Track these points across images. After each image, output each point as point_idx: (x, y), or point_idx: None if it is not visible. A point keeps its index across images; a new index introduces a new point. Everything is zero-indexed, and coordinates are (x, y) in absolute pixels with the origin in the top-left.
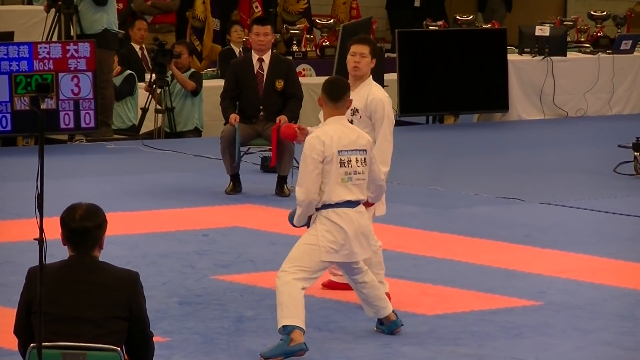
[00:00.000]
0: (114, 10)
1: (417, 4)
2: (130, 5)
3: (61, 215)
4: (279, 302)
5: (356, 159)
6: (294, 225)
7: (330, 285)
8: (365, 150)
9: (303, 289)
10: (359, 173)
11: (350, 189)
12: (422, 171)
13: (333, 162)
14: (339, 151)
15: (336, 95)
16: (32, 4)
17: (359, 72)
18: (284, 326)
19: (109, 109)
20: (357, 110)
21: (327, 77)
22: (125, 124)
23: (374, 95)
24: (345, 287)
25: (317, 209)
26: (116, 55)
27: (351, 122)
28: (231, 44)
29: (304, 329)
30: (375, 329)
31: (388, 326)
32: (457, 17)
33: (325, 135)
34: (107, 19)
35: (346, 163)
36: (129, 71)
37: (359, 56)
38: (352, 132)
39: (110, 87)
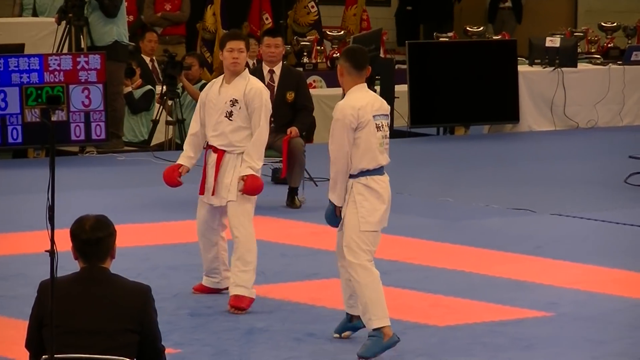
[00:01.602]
0: (124, 22)
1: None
2: (140, 17)
3: (71, 228)
4: (364, 295)
5: (385, 123)
6: (335, 220)
7: (200, 289)
8: (388, 115)
9: (379, 275)
10: (387, 137)
11: (384, 153)
12: (432, 183)
13: (369, 126)
14: (373, 116)
15: (360, 63)
16: (38, 16)
17: (238, 68)
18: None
19: (120, 121)
20: (236, 100)
21: (346, 47)
22: (137, 138)
23: (252, 85)
24: (215, 291)
25: (353, 176)
26: (139, 68)
27: (231, 113)
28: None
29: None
30: (339, 335)
31: (355, 324)
32: (468, 28)
33: (358, 102)
34: (118, 31)
35: (380, 127)
36: (148, 86)
37: (237, 52)
38: (376, 96)
39: (121, 99)
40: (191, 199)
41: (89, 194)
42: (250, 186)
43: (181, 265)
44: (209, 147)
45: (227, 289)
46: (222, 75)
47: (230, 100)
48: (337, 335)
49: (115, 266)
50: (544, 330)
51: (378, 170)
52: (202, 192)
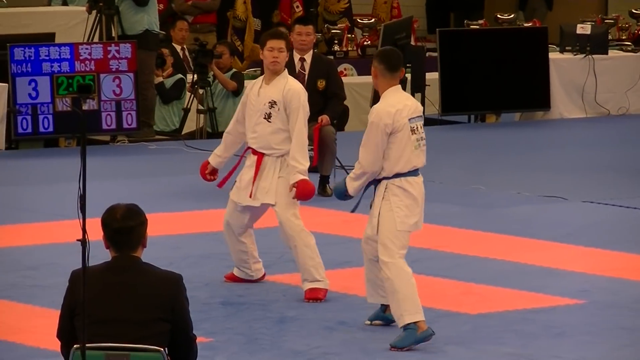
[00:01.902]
0: (155, 10)
1: None
2: (170, 6)
3: (102, 217)
4: (397, 292)
5: (421, 125)
6: (343, 198)
7: (232, 278)
8: (422, 116)
9: (411, 271)
10: (424, 139)
11: (419, 155)
12: (463, 170)
13: (404, 130)
14: (409, 119)
15: (395, 65)
16: (68, 5)
17: (278, 67)
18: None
19: (151, 109)
20: (275, 102)
21: (380, 49)
22: (169, 127)
23: (290, 86)
24: (246, 281)
25: (387, 178)
26: (170, 56)
27: (270, 115)
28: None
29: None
30: (370, 322)
31: (387, 315)
32: (498, 16)
33: (394, 106)
34: (148, 19)
35: (416, 130)
36: (179, 75)
37: (277, 51)
38: (410, 99)
39: (152, 87)
40: (223, 187)
41: (120, 183)
42: (302, 191)
43: (213, 253)
44: (248, 148)
45: (258, 280)
46: (263, 75)
47: (269, 102)
48: (369, 322)
49: (147, 255)
50: (576, 317)
51: (412, 172)
52: (221, 184)
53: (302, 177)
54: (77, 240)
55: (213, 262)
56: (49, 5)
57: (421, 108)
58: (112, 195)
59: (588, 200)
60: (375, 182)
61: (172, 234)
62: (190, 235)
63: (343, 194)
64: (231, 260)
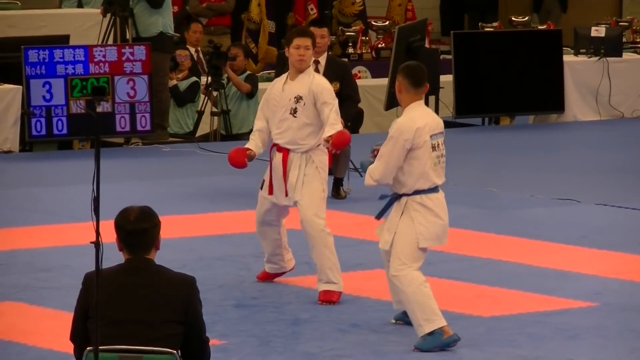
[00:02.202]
0: (170, 13)
1: None
2: (185, 8)
3: (115, 219)
4: (411, 301)
5: (441, 142)
6: (362, 173)
7: (265, 276)
8: (443, 132)
9: (425, 280)
10: (444, 156)
11: (439, 172)
12: (477, 172)
13: (425, 147)
14: (430, 136)
15: (419, 81)
16: (83, 7)
17: (304, 65)
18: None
19: (165, 112)
20: (301, 97)
21: (404, 64)
22: (183, 130)
23: (317, 81)
24: (279, 275)
25: (408, 195)
26: (187, 59)
27: (295, 110)
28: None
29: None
30: (396, 321)
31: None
32: (513, 18)
33: (417, 121)
34: (163, 22)
35: (436, 147)
36: (194, 78)
37: (304, 49)
38: (433, 115)
39: (166, 90)
40: (236, 190)
41: (133, 185)
42: (338, 138)
43: (226, 256)
44: (273, 145)
45: (291, 270)
46: (286, 72)
47: (295, 97)
48: (394, 321)
49: (161, 257)
50: (589, 320)
51: (433, 189)
52: (270, 192)
53: (337, 128)
54: (91, 242)
55: (226, 265)
56: (60, 7)
57: (442, 124)
58: (125, 197)
59: (601, 202)
60: (396, 197)
61: (186, 236)
62: (204, 237)
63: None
64: (245, 263)
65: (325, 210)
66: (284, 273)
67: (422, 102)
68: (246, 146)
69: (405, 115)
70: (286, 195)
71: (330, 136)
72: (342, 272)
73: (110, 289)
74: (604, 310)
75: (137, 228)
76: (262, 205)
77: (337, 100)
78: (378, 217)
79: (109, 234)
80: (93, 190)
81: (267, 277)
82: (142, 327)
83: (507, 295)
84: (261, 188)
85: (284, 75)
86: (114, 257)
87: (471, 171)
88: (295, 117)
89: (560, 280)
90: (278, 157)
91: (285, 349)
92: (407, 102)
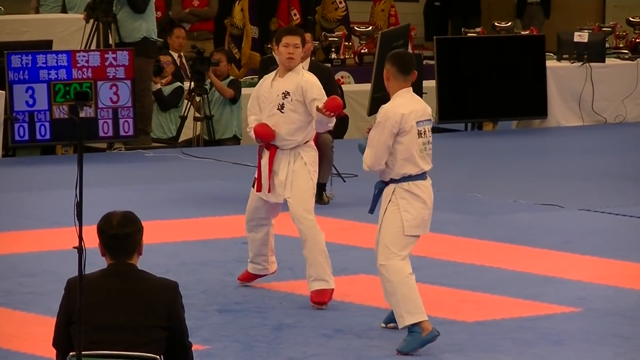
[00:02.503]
0: (153, 18)
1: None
2: (168, 13)
3: (98, 224)
4: (396, 294)
5: (428, 128)
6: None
7: (247, 277)
8: (430, 120)
9: (411, 273)
10: (430, 143)
11: (425, 158)
12: (461, 178)
13: (411, 132)
14: (417, 122)
15: (407, 68)
16: (67, 13)
17: (293, 63)
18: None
19: (148, 117)
20: (288, 93)
21: (392, 52)
22: (166, 135)
23: (306, 78)
24: (260, 277)
25: (396, 181)
26: (172, 64)
27: (283, 105)
28: (273, 53)
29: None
30: (385, 325)
31: None
32: (496, 23)
33: (402, 107)
34: (147, 27)
35: (422, 133)
36: (178, 83)
37: (292, 47)
38: (420, 102)
39: (150, 95)
40: (219, 195)
41: (117, 190)
42: (331, 103)
43: (210, 261)
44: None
45: (272, 273)
46: (275, 70)
47: (283, 93)
48: (384, 325)
49: (144, 262)
50: (573, 325)
51: (421, 176)
52: (258, 189)
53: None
54: (74, 247)
55: (210, 270)
56: (37, 12)
57: (430, 111)
58: (108, 202)
59: (584, 208)
60: (384, 185)
61: (169, 241)
62: (187, 242)
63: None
64: (228, 268)
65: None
66: (265, 275)
67: (410, 89)
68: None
69: (392, 101)
70: (269, 191)
71: (323, 104)
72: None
73: (93, 294)
74: (587, 316)
75: (120, 233)
76: (252, 203)
77: (325, 97)
78: (371, 211)
79: (92, 239)
80: (76, 195)
81: (249, 278)
82: (126, 332)
83: (490, 301)
84: (252, 186)
85: (273, 73)
86: (97, 262)
87: (454, 176)
88: (282, 112)
89: (544, 286)
90: (266, 154)
91: (268, 354)
92: (394, 89)
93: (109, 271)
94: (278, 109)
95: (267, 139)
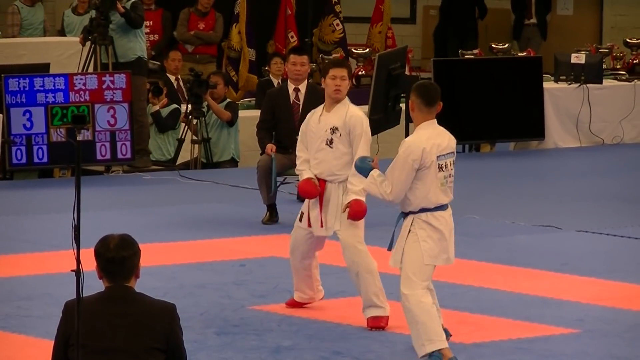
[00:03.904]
0: (144, 38)
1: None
2: (166, 36)
3: (95, 247)
4: (417, 322)
5: (450, 162)
6: (361, 173)
7: (293, 304)
8: (454, 152)
9: (432, 303)
10: (452, 175)
11: (446, 191)
12: (458, 199)
13: (431, 167)
14: (437, 156)
15: (431, 99)
16: (65, 34)
17: (340, 96)
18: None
19: (147, 137)
20: (336, 128)
21: (417, 82)
22: (165, 157)
23: (352, 113)
24: (308, 304)
25: (414, 213)
26: (165, 87)
27: (332, 141)
28: (270, 76)
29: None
30: None
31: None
32: (493, 45)
33: (424, 142)
34: (140, 46)
35: (444, 167)
36: (174, 105)
37: (339, 79)
38: (444, 135)
39: (147, 114)
40: (217, 218)
41: (114, 214)
42: (354, 211)
43: (208, 284)
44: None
45: (318, 300)
46: (322, 104)
47: (331, 128)
48: None
49: (142, 285)
50: (571, 347)
51: (440, 207)
52: (309, 225)
53: (355, 197)
54: (72, 270)
55: (208, 292)
56: (19, 36)
57: (454, 144)
58: (106, 225)
59: (582, 229)
60: (402, 215)
61: (167, 264)
62: (185, 265)
63: (364, 173)
64: (226, 291)
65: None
66: (311, 303)
67: (434, 121)
68: (307, 177)
69: (415, 134)
70: (321, 225)
71: (348, 204)
72: (324, 299)
73: (91, 317)
74: (586, 337)
75: (117, 256)
76: (298, 237)
77: (369, 130)
78: (390, 248)
79: (90, 262)
80: (73, 218)
81: (295, 305)
82: (124, 355)
83: (489, 322)
84: (299, 220)
85: (320, 107)
86: (95, 285)
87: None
88: (331, 147)
89: (542, 307)
90: None
91: None
92: (419, 121)
93: (106, 294)
94: (327, 144)
95: (309, 197)
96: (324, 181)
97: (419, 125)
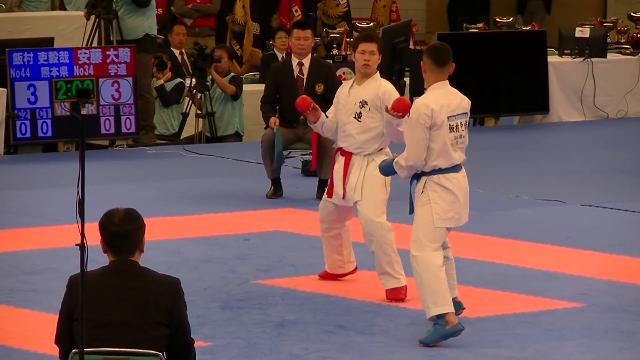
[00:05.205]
0: (154, 15)
1: None
2: (169, 10)
3: (100, 221)
4: (424, 285)
5: (461, 122)
6: (388, 174)
7: (325, 276)
8: (467, 113)
9: (441, 265)
10: (463, 137)
11: (457, 152)
12: None
13: (443, 127)
14: (448, 117)
15: (442, 60)
16: (66, 9)
17: (369, 70)
18: (438, 315)
19: (153, 112)
20: (365, 102)
21: (430, 44)
22: (169, 131)
23: (385, 87)
24: (340, 277)
25: (426, 174)
26: (169, 62)
27: (360, 114)
28: (274, 50)
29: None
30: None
31: (456, 304)
32: (497, 19)
33: (433, 102)
34: (148, 24)
35: (454, 128)
36: (179, 79)
37: (369, 54)
38: (456, 95)
39: (151, 91)
40: (221, 192)
41: (119, 188)
42: (398, 103)
43: (212, 258)
44: (337, 149)
45: (350, 273)
46: (354, 77)
47: (360, 102)
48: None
49: (146, 259)
50: (575, 320)
51: (452, 168)
52: (330, 195)
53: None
54: (76, 244)
55: (212, 267)
56: (19, 9)
57: (466, 105)
58: (110, 199)
59: (586, 203)
60: (415, 177)
61: (171, 238)
62: (190, 239)
63: (391, 170)
64: (231, 265)
65: (311, 211)
66: (343, 275)
67: (446, 82)
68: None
69: (425, 95)
70: (343, 197)
71: (391, 105)
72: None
73: (95, 291)
74: (590, 311)
75: (122, 230)
76: (323, 208)
77: None
78: (411, 211)
79: (94, 237)
80: (78, 192)
81: (327, 277)
82: (128, 329)
83: (493, 297)
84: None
85: (351, 80)
86: (99, 259)
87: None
88: (359, 121)
89: (546, 281)
90: (341, 160)
91: (271, 351)
92: (430, 82)
93: (111, 268)
94: (355, 117)
95: (301, 109)
96: (350, 153)
97: (431, 86)
